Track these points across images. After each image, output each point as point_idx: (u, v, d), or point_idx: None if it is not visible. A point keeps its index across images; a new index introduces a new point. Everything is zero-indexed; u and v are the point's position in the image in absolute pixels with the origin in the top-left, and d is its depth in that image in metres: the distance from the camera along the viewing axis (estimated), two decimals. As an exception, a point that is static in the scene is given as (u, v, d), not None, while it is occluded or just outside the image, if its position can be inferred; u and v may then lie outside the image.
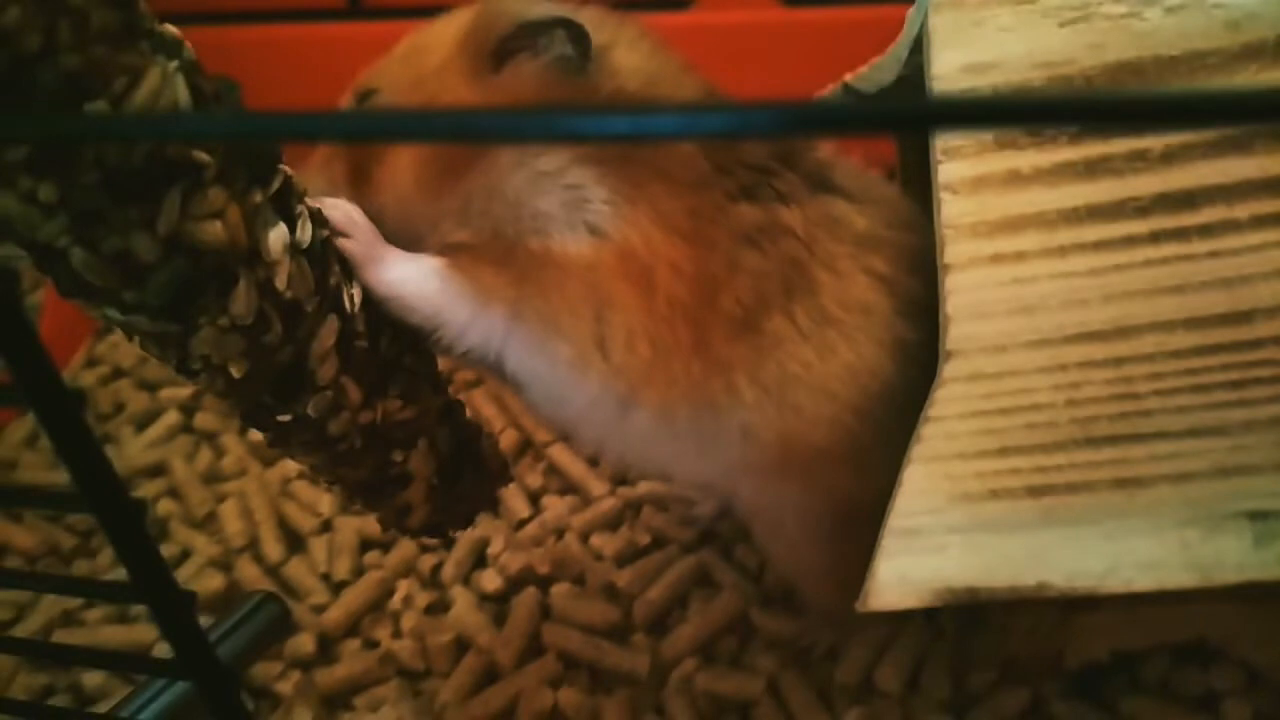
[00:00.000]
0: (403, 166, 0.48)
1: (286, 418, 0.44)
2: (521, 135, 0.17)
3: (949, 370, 0.46)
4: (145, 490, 0.83)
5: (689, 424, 0.49)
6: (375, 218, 0.47)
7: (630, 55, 0.49)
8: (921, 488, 0.47)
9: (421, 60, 0.50)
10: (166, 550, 0.78)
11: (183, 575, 0.76)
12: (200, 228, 0.35)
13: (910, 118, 0.19)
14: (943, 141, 0.47)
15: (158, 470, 0.85)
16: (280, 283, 0.39)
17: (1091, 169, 0.46)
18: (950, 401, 0.46)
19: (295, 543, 0.78)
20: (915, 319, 0.50)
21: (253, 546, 0.78)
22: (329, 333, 0.42)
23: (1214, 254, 0.45)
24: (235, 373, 0.40)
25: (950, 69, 0.47)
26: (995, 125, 0.16)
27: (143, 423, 0.89)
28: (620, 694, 0.65)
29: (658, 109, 0.18)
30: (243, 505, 0.80)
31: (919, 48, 0.49)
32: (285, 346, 0.40)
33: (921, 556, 0.47)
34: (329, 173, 0.51)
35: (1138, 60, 0.46)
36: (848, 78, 0.58)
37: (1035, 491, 0.47)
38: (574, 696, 0.65)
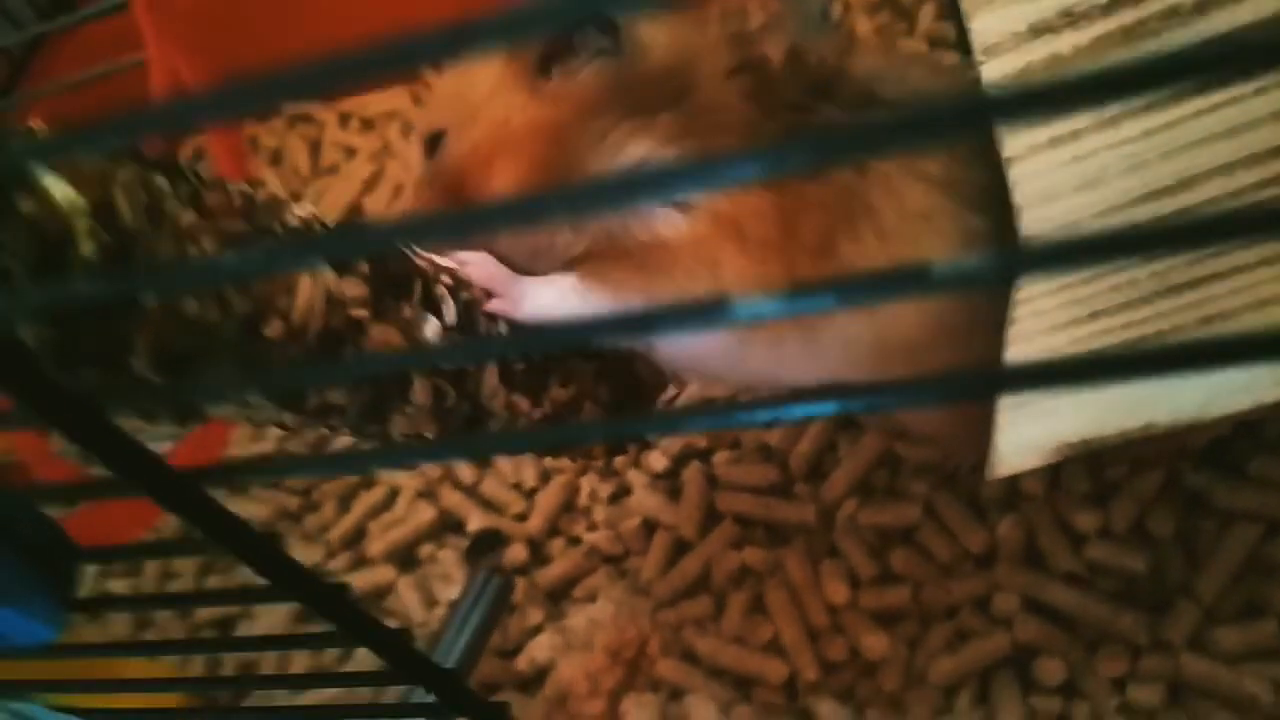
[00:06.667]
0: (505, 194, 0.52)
1: (472, 439, 0.52)
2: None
3: (1029, 254, 0.50)
4: (342, 441, 0.94)
5: (797, 346, 0.54)
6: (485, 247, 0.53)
7: (654, 29, 0.52)
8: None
9: (471, 93, 0.54)
10: (378, 491, 0.89)
11: (399, 511, 0.88)
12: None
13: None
14: (981, 41, 0.50)
15: (346, 422, 0.95)
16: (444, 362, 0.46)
17: (1129, 35, 0.48)
18: (1035, 281, 0.51)
19: (483, 461, 0.88)
20: (982, 206, 0.53)
21: (449, 474, 0.88)
22: (491, 374, 0.49)
23: (1260, 91, 0.48)
24: (430, 435, 0.48)
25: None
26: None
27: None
28: (797, 543, 0.74)
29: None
30: (428, 438, 0.90)
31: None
32: (463, 403, 0.48)
33: (1034, 423, 0.53)
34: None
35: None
36: None
37: (1128, 346, 0.51)
38: (757, 554, 0.74)
